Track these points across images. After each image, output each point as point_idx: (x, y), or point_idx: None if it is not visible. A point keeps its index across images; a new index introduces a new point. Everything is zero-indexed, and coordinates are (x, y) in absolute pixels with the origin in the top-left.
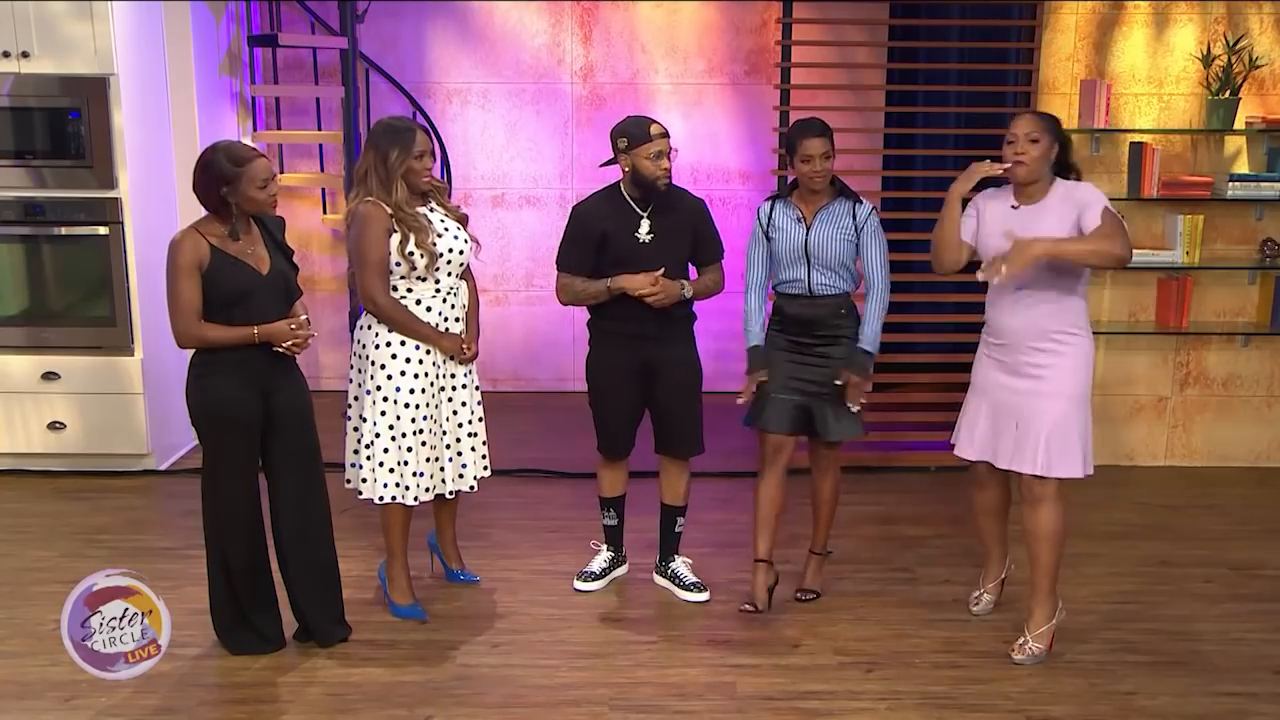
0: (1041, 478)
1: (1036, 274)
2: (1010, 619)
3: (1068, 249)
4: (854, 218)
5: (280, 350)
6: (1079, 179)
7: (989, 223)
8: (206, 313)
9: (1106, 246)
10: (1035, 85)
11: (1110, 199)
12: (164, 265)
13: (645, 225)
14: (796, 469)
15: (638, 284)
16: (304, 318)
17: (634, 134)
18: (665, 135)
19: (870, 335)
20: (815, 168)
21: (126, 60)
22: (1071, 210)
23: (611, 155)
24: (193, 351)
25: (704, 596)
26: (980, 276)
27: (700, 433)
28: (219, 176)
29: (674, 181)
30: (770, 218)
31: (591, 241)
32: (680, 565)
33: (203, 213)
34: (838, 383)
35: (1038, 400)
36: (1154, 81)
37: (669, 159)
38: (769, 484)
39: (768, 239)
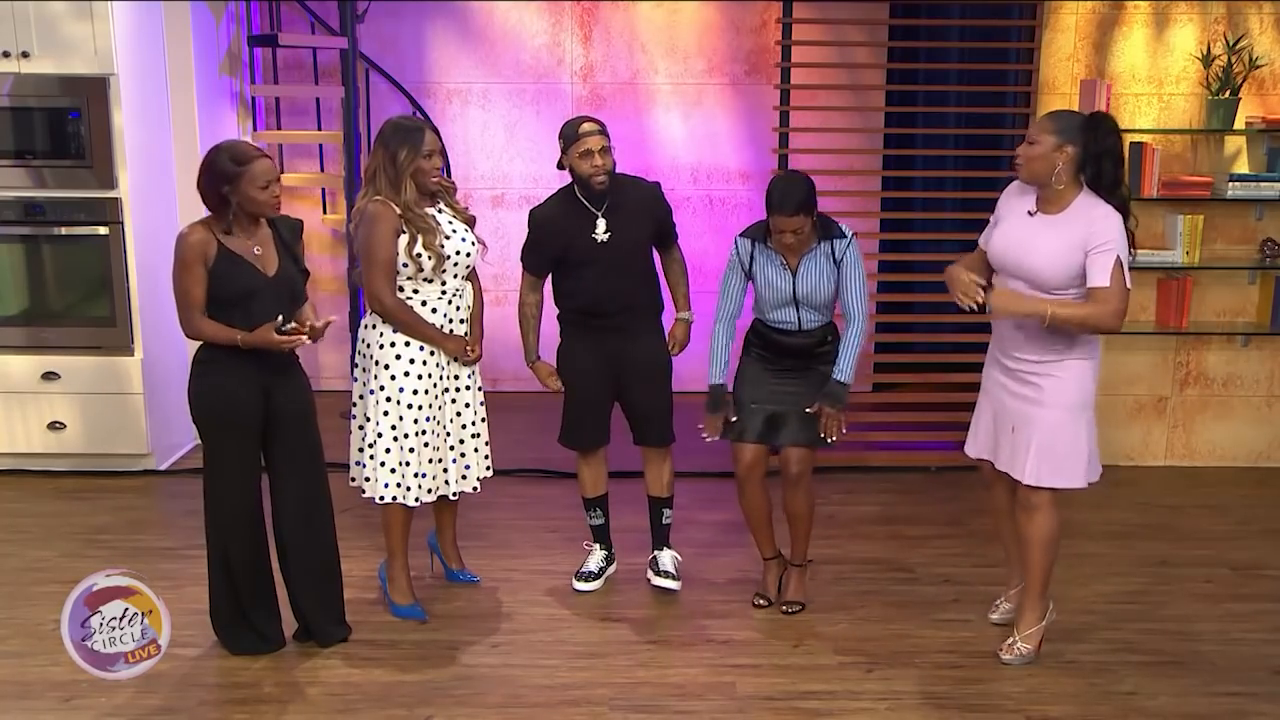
0: (1035, 487)
1: (1030, 285)
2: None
3: (1056, 314)
4: (834, 252)
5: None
6: (1119, 199)
7: (1006, 228)
8: (209, 309)
9: (1096, 318)
10: (1035, 85)
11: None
12: (164, 263)
13: (602, 225)
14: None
15: None
16: (294, 325)
17: (567, 134)
18: (598, 133)
19: (846, 368)
20: (786, 241)
21: (126, 60)
22: (1079, 236)
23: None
24: (195, 350)
25: (674, 585)
26: (961, 300)
27: (671, 420)
28: (220, 175)
29: (672, 183)
30: (752, 258)
31: (549, 247)
32: (665, 555)
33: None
34: (809, 410)
35: (1034, 409)
36: (1154, 81)
37: (603, 156)
38: (748, 496)
39: (748, 276)
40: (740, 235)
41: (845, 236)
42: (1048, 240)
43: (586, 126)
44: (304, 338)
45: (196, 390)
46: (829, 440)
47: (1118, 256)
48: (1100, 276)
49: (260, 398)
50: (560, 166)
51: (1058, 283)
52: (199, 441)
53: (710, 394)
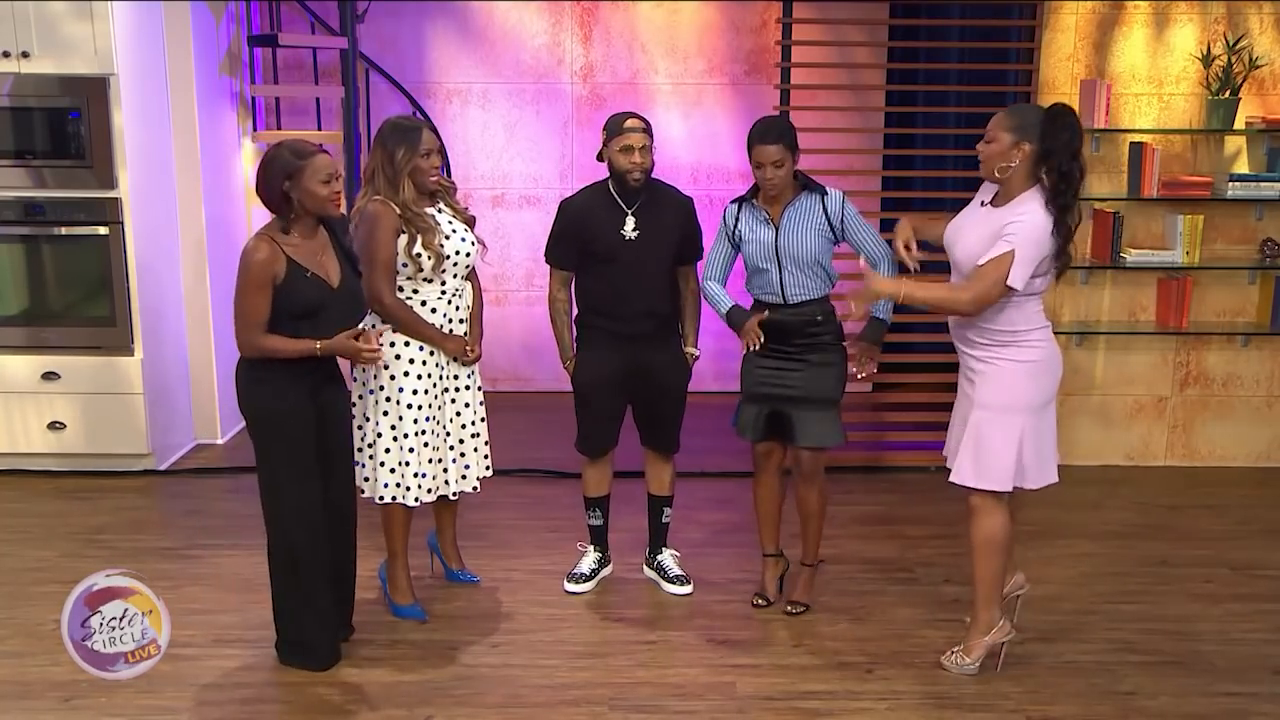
0: (971, 489)
1: (962, 276)
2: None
3: (913, 294)
4: (825, 209)
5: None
6: (1067, 198)
7: (959, 215)
8: (274, 324)
9: (951, 297)
10: (1035, 85)
11: (1110, 199)
12: (164, 263)
13: (631, 222)
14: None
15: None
16: (373, 329)
17: (610, 127)
18: (641, 130)
19: (883, 305)
20: (766, 175)
21: (126, 60)
22: (999, 227)
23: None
24: (243, 359)
25: (687, 590)
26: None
27: (680, 429)
28: (282, 170)
29: (673, 183)
30: (738, 220)
31: (577, 238)
32: (667, 557)
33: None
34: (847, 344)
35: (970, 406)
36: (1154, 81)
37: (643, 155)
38: (762, 484)
39: (734, 244)
40: (730, 201)
41: (831, 194)
42: (978, 230)
43: (631, 123)
44: (379, 349)
45: (255, 396)
46: (859, 375)
47: (1013, 252)
48: (989, 256)
49: (312, 399)
50: (599, 158)
51: (969, 271)
52: (198, 441)
53: (729, 317)
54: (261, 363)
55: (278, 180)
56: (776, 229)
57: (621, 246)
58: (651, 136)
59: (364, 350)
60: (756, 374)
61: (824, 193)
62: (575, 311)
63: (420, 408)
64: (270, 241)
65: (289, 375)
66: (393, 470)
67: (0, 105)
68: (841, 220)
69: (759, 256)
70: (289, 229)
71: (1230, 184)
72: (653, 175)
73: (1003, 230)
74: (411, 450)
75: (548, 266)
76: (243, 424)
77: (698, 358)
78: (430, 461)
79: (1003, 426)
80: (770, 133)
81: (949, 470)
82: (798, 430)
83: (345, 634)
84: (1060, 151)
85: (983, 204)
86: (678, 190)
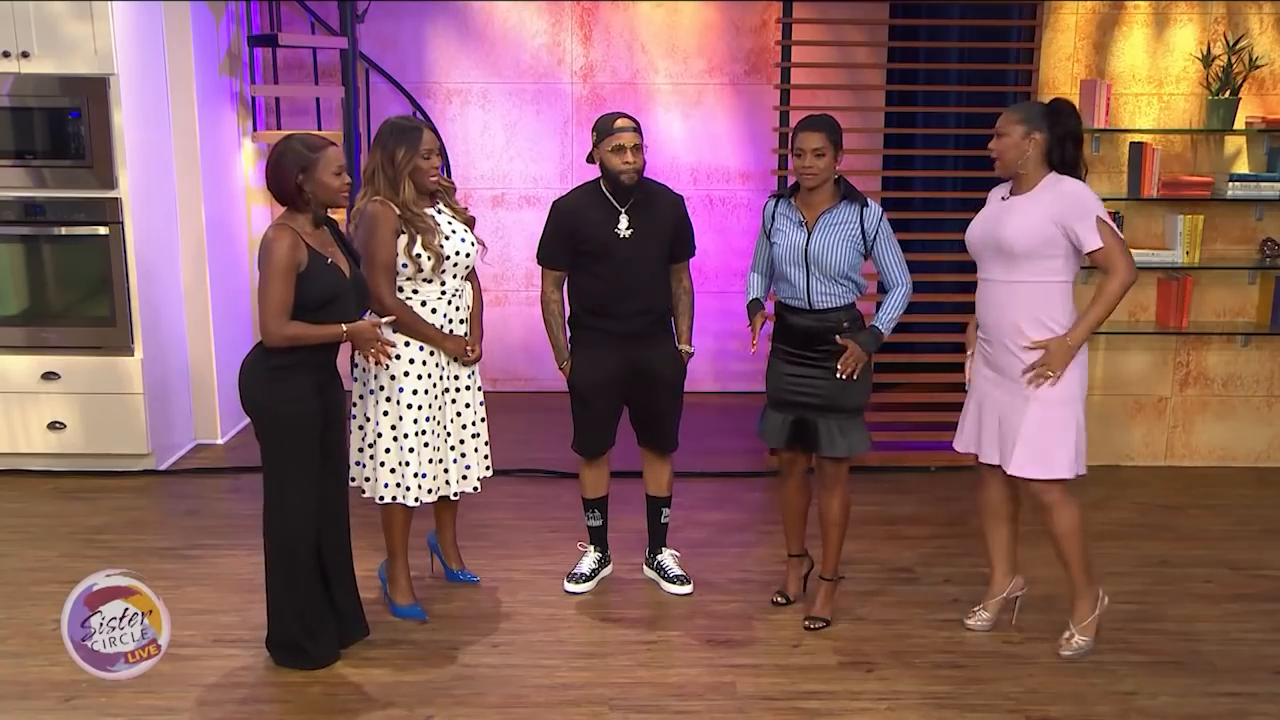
0: (1043, 482)
1: (1004, 267)
2: (1007, 619)
3: (1098, 319)
4: (862, 222)
5: (362, 355)
6: (1080, 176)
7: (982, 214)
8: (292, 314)
9: (1117, 288)
10: (1035, 85)
11: (1110, 199)
12: (164, 263)
13: (624, 220)
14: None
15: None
16: (384, 320)
17: (600, 128)
18: (632, 130)
19: (885, 318)
20: (805, 162)
21: (126, 60)
22: (1053, 207)
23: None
24: (260, 353)
25: (687, 589)
26: (1028, 380)
27: (678, 427)
28: (295, 163)
29: (672, 183)
30: (773, 216)
31: (570, 237)
32: (667, 557)
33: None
34: (839, 337)
35: (1017, 400)
36: (1154, 81)
37: (635, 154)
38: (788, 489)
39: (770, 239)
40: (770, 196)
41: (871, 207)
42: (1017, 215)
43: (621, 122)
44: (390, 348)
45: (269, 393)
46: (840, 376)
47: (1098, 217)
48: (1092, 239)
49: (319, 397)
50: (590, 160)
51: (1025, 249)
52: (198, 441)
53: (748, 309)
54: (279, 360)
55: (291, 173)
56: (809, 234)
57: (616, 244)
58: (642, 135)
59: (381, 342)
60: (782, 380)
61: (864, 204)
62: (569, 312)
63: (420, 408)
64: (291, 230)
65: (304, 372)
66: (393, 470)
67: (0, 105)
68: (875, 235)
69: (786, 259)
70: (301, 220)
71: (1230, 184)
72: (647, 174)
73: (1065, 211)
74: (411, 450)
75: (541, 269)
76: (243, 424)
77: (692, 355)
78: (430, 462)
79: (1066, 417)
80: (816, 121)
81: (952, 469)
82: (823, 439)
83: (361, 634)
84: (1070, 138)
85: (1003, 198)
86: (669, 188)
